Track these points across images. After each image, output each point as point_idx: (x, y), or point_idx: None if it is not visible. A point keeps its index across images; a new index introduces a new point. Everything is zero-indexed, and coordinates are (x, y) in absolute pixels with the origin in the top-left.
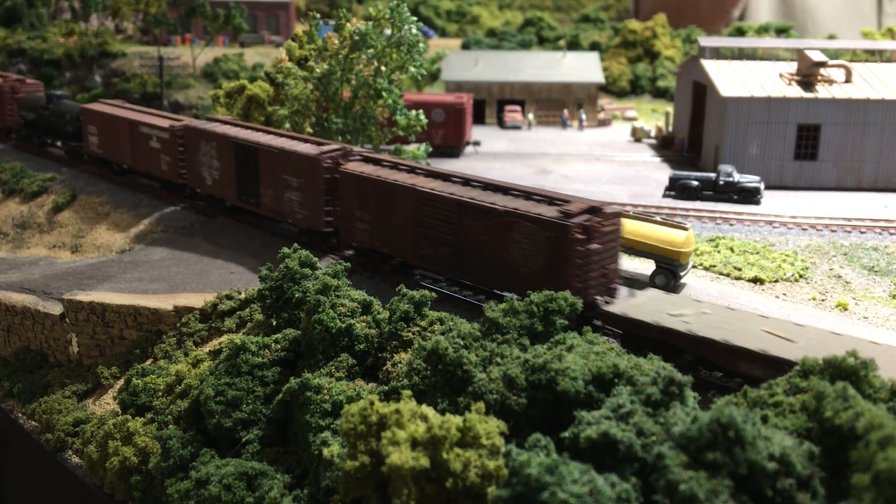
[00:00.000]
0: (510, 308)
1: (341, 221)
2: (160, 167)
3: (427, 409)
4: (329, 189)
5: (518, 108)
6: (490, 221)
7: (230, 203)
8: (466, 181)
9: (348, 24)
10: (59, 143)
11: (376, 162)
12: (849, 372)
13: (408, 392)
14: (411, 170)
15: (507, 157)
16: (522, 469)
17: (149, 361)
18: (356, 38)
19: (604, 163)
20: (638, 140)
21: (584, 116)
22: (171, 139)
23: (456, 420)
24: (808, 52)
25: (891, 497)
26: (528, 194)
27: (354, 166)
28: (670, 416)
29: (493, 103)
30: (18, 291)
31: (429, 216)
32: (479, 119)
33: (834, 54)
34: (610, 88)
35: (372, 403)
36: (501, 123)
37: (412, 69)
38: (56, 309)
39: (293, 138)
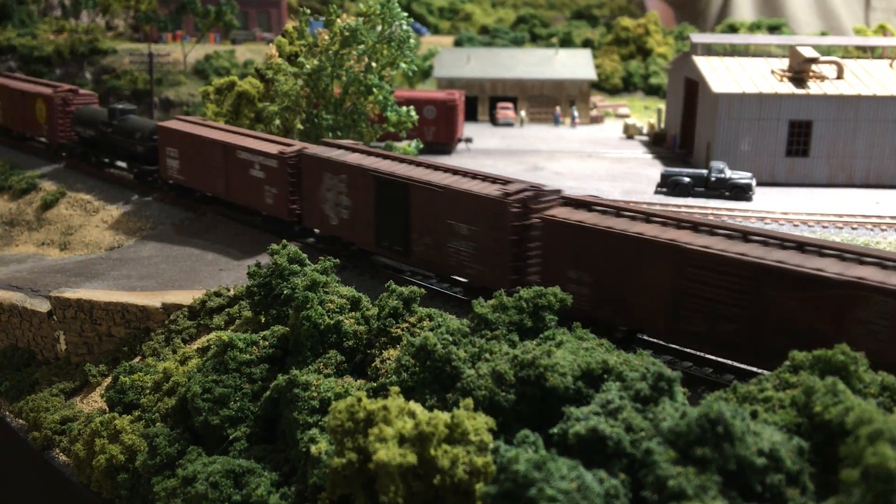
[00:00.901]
0: (499, 304)
1: (545, 284)
2: (264, 201)
3: (415, 406)
4: (518, 240)
5: (510, 105)
6: (812, 294)
7: (364, 248)
8: (764, 240)
9: (339, 20)
10: (123, 165)
11: (590, 207)
12: (839, 367)
13: (395, 388)
14: (661, 221)
15: (499, 153)
16: (510, 465)
17: (137, 359)
18: (346, 34)
19: (596, 159)
20: (630, 137)
21: (576, 113)
22: (281, 168)
23: (444, 416)
24: (799, 49)
25: (880, 492)
26: (859, 256)
27: (564, 213)
28: (659, 412)
29: (486, 100)
30: (5, 289)
31: (700, 282)
32: (472, 116)
33: (826, 51)
34: (602, 85)
35: (359, 400)
36: (494, 120)
37: (403, 65)
38: (44, 306)
39: (458, 173)
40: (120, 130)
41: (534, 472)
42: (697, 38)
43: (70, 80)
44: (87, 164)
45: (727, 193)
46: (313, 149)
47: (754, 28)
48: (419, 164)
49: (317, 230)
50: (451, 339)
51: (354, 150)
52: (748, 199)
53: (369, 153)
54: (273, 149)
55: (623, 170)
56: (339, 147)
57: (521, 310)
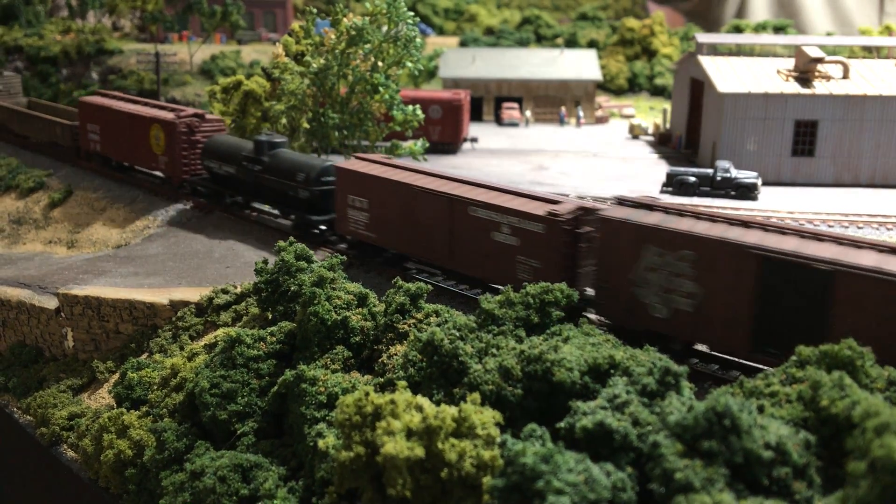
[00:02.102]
0: (506, 300)
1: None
2: (515, 275)
3: (422, 400)
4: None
5: (516, 105)
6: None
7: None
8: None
9: (345, 20)
10: (272, 210)
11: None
12: (845, 362)
13: (403, 383)
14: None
15: (504, 153)
16: (518, 458)
17: (144, 355)
18: (353, 33)
19: (601, 159)
20: (635, 137)
21: (581, 114)
22: (552, 235)
23: (451, 410)
24: (805, 49)
25: (887, 484)
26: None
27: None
28: (666, 406)
29: (491, 100)
30: (14, 286)
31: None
32: (477, 116)
33: (832, 51)
34: (608, 86)
35: (367, 394)
36: (499, 120)
37: (409, 64)
38: (51, 303)
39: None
40: (274, 169)
41: (541, 464)
42: (703, 38)
43: (76, 79)
44: (217, 205)
45: (733, 193)
46: (624, 214)
47: (760, 28)
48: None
49: (642, 327)
50: (458, 334)
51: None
52: (754, 198)
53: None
54: (534, 207)
55: (628, 170)
56: (639, 205)
57: (527, 305)
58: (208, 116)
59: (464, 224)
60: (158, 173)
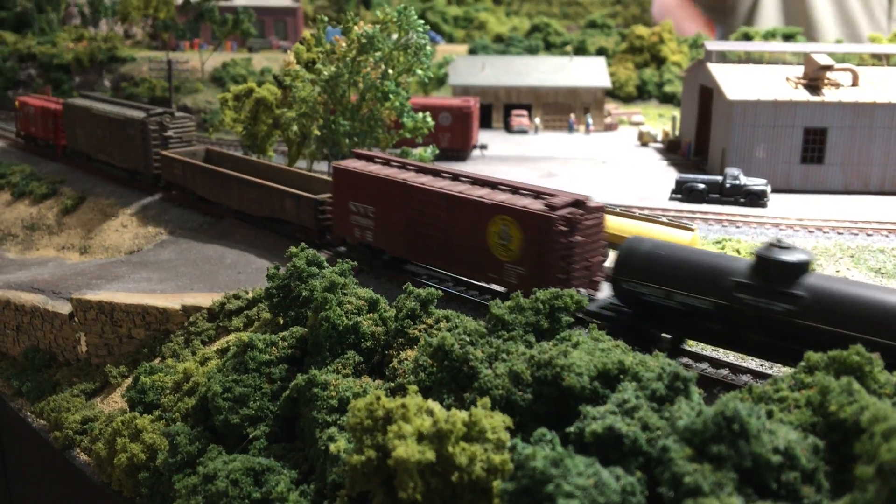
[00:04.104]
0: (516, 305)
1: None
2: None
3: (433, 404)
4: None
5: (525, 112)
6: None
7: None
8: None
9: (356, 28)
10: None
11: None
12: (854, 367)
13: (414, 387)
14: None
15: (513, 160)
16: (528, 462)
17: (157, 360)
18: (364, 41)
19: (610, 166)
20: (645, 144)
21: (590, 121)
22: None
23: (462, 415)
24: (814, 56)
25: (895, 487)
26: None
27: None
28: (675, 411)
29: (500, 108)
30: (28, 291)
31: None
32: (486, 123)
33: (841, 58)
34: (617, 93)
35: (378, 398)
36: (508, 128)
37: (419, 72)
38: (65, 308)
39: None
40: (827, 313)
41: (551, 468)
42: (712, 45)
43: (89, 87)
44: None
45: (742, 200)
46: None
47: (769, 36)
48: None
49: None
50: (468, 339)
51: None
52: (763, 205)
53: None
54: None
55: (637, 176)
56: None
57: (537, 311)
58: (591, 204)
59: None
60: (498, 287)
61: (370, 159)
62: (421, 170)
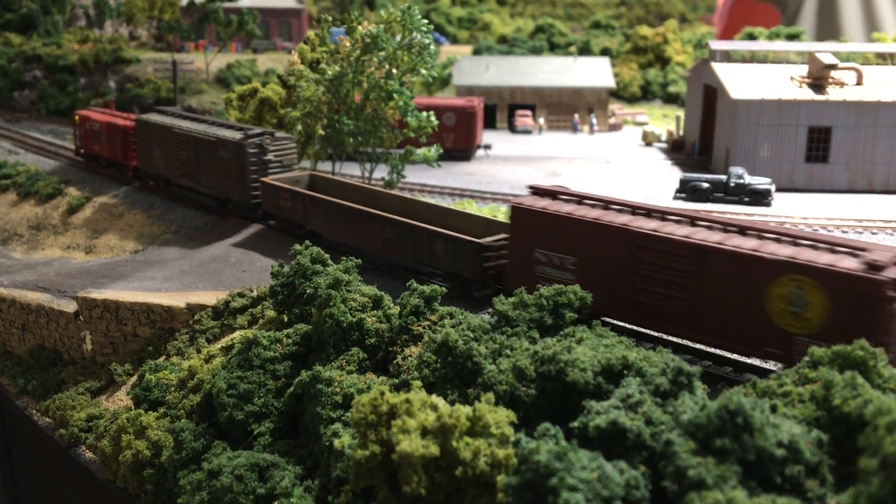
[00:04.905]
0: (520, 301)
1: None
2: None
3: (437, 399)
4: None
5: (529, 112)
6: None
7: None
8: None
9: (360, 28)
10: None
11: None
12: (857, 362)
13: (418, 383)
14: None
15: (517, 160)
16: (531, 456)
17: (162, 358)
18: (367, 41)
19: (614, 166)
20: (649, 144)
21: (594, 121)
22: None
23: (465, 409)
24: (818, 55)
25: None
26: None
27: None
28: (679, 405)
29: (504, 108)
30: (33, 290)
31: None
32: (491, 123)
33: (845, 57)
34: (621, 94)
35: (382, 393)
36: (512, 128)
37: (423, 71)
38: (70, 307)
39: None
40: None
41: (555, 462)
42: (716, 45)
43: (94, 88)
44: None
45: (746, 199)
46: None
47: (773, 36)
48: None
49: None
50: (472, 335)
51: None
52: (767, 204)
53: None
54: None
55: (642, 176)
56: None
57: (541, 307)
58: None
59: None
60: (769, 365)
61: (554, 196)
62: (639, 211)
